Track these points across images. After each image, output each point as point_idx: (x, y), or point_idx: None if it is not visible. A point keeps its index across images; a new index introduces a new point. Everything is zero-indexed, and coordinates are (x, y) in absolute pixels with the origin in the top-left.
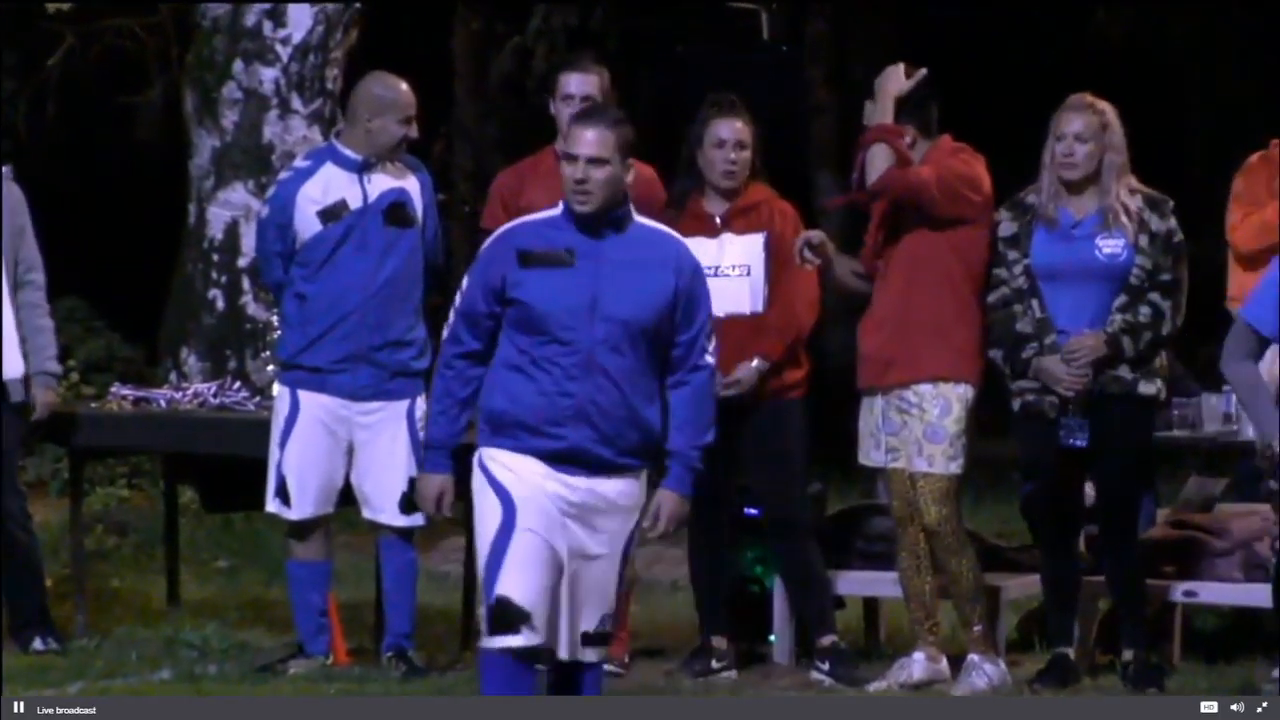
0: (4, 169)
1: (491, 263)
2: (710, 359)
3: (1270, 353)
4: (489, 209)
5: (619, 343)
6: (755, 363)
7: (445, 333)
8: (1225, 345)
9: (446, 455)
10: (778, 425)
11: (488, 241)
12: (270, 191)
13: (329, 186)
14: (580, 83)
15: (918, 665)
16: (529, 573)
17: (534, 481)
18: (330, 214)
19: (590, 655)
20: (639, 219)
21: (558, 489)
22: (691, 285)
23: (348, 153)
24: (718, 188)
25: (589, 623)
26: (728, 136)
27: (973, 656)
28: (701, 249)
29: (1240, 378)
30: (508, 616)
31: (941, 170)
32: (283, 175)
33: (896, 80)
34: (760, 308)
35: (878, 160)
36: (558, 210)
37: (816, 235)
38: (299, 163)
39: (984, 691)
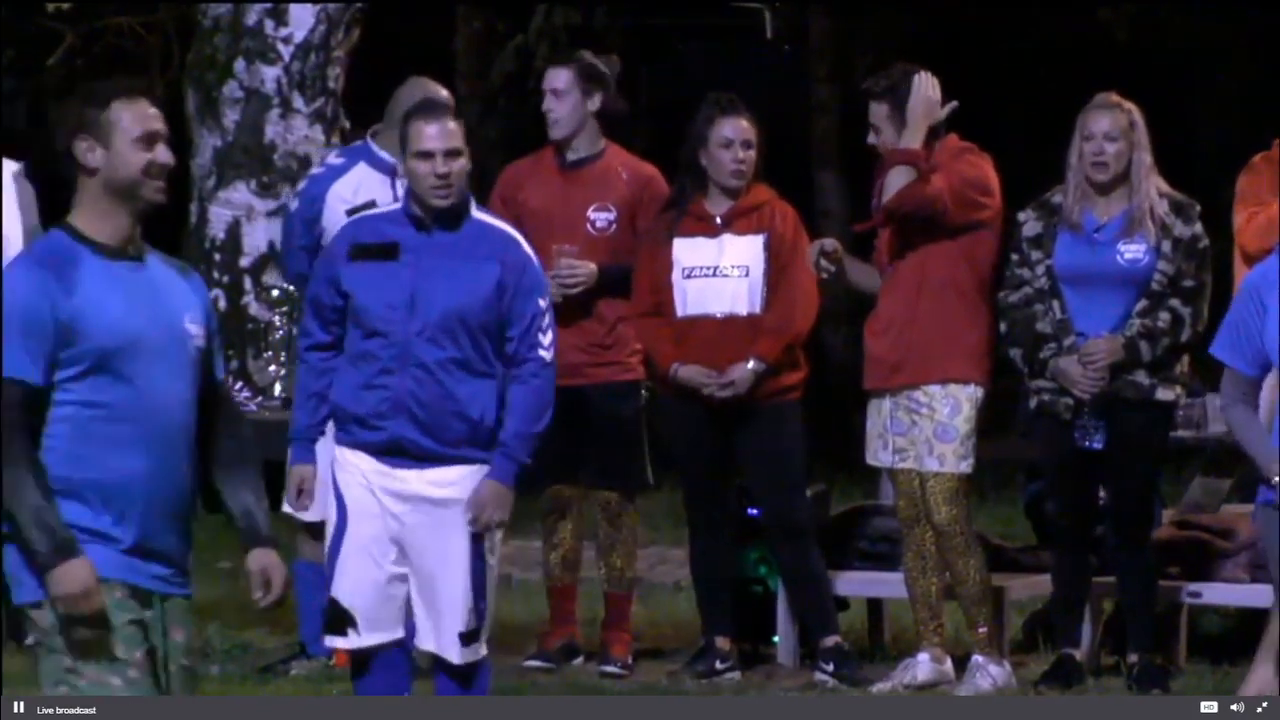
0: (17, 166)
1: (331, 255)
2: (544, 353)
3: (1271, 377)
4: (490, 205)
5: (438, 335)
6: (751, 364)
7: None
8: (1221, 389)
9: (307, 446)
10: (775, 427)
11: (336, 233)
12: (301, 185)
13: (360, 186)
14: (548, 77)
15: (922, 666)
16: (357, 574)
17: (366, 481)
18: (358, 213)
19: (465, 654)
20: (477, 214)
21: (390, 483)
22: (519, 279)
23: (383, 154)
24: (724, 187)
25: (457, 620)
26: (734, 136)
27: (978, 658)
28: (701, 249)
29: (1233, 421)
30: (336, 618)
31: (953, 179)
32: (316, 170)
33: (928, 105)
34: (758, 309)
35: (897, 179)
36: (398, 205)
37: (830, 243)
38: (332, 159)
39: (989, 692)
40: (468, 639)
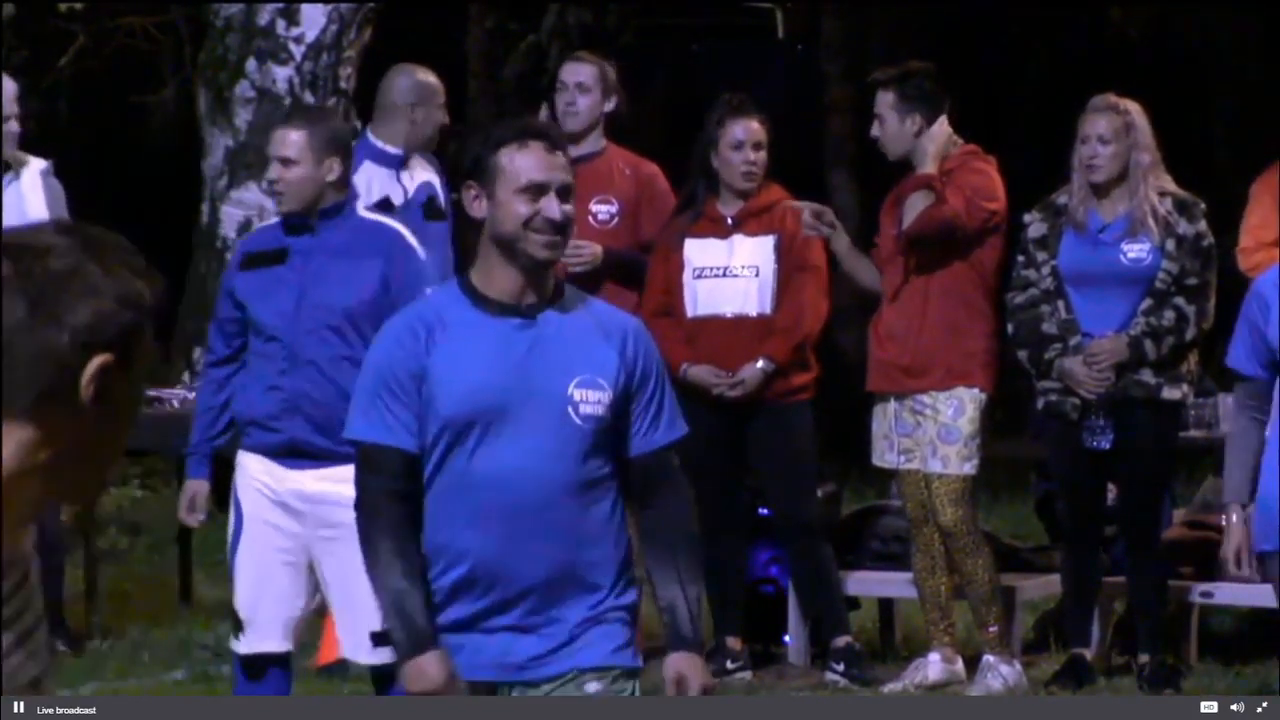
0: (45, 164)
1: (229, 269)
2: None
3: None
4: None
5: (326, 334)
6: (760, 364)
7: None
8: (1234, 398)
9: (201, 461)
10: (785, 427)
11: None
12: None
13: (370, 184)
14: (573, 71)
15: (933, 666)
16: (254, 581)
17: (264, 485)
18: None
19: (375, 655)
20: (363, 214)
21: (289, 484)
22: (404, 273)
23: (387, 148)
24: (735, 189)
25: (369, 619)
26: (745, 137)
27: (988, 657)
28: (712, 249)
29: (1231, 430)
30: (236, 623)
31: (966, 193)
32: None
33: (945, 140)
34: (768, 310)
35: (915, 205)
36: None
37: (819, 207)
38: None
39: (1000, 692)
40: (379, 639)
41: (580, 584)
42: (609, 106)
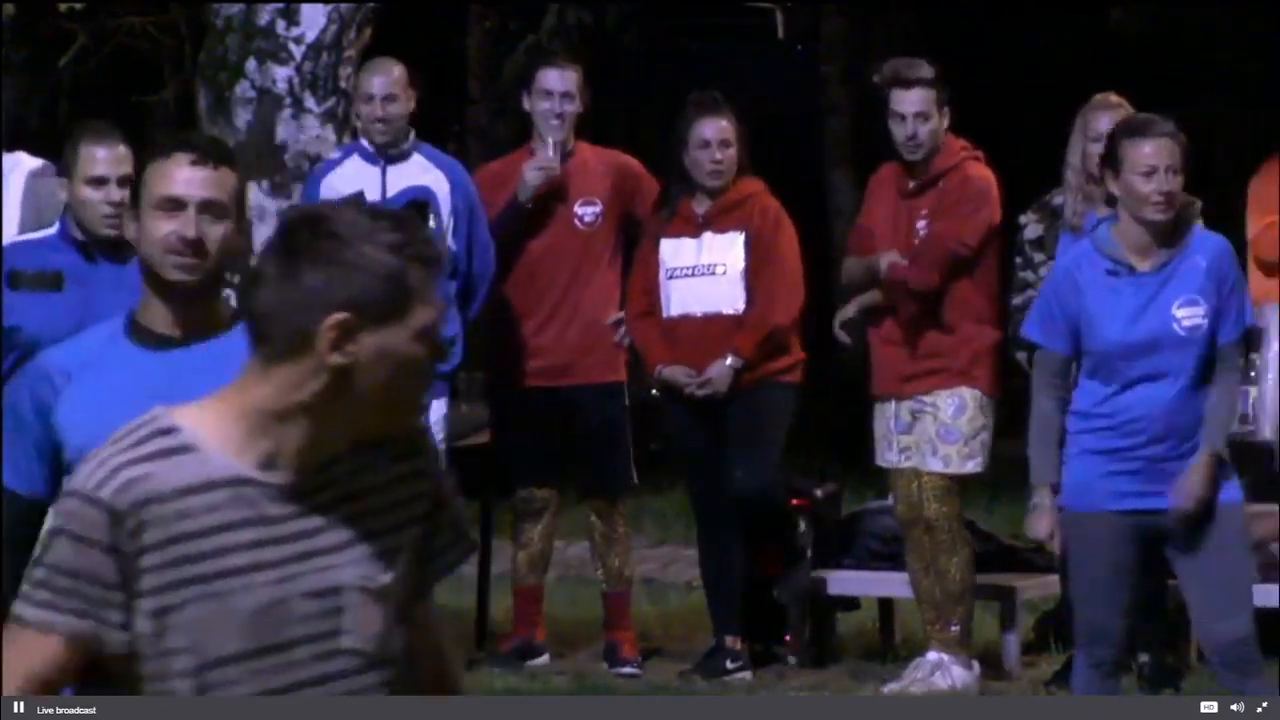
0: (38, 164)
1: None
2: None
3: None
4: None
5: None
6: (728, 360)
7: None
8: (1034, 374)
9: None
10: (755, 405)
11: None
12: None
13: (351, 178)
14: (559, 79)
15: (929, 666)
16: None
17: None
18: None
19: None
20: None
21: None
22: None
23: (367, 144)
24: (703, 187)
25: None
26: (712, 136)
27: (943, 656)
28: (684, 249)
29: (1035, 411)
30: None
31: (968, 212)
32: (318, 166)
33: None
34: (740, 307)
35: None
36: (53, 230)
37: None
38: (334, 154)
39: (945, 692)
40: None
41: None
42: (580, 108)
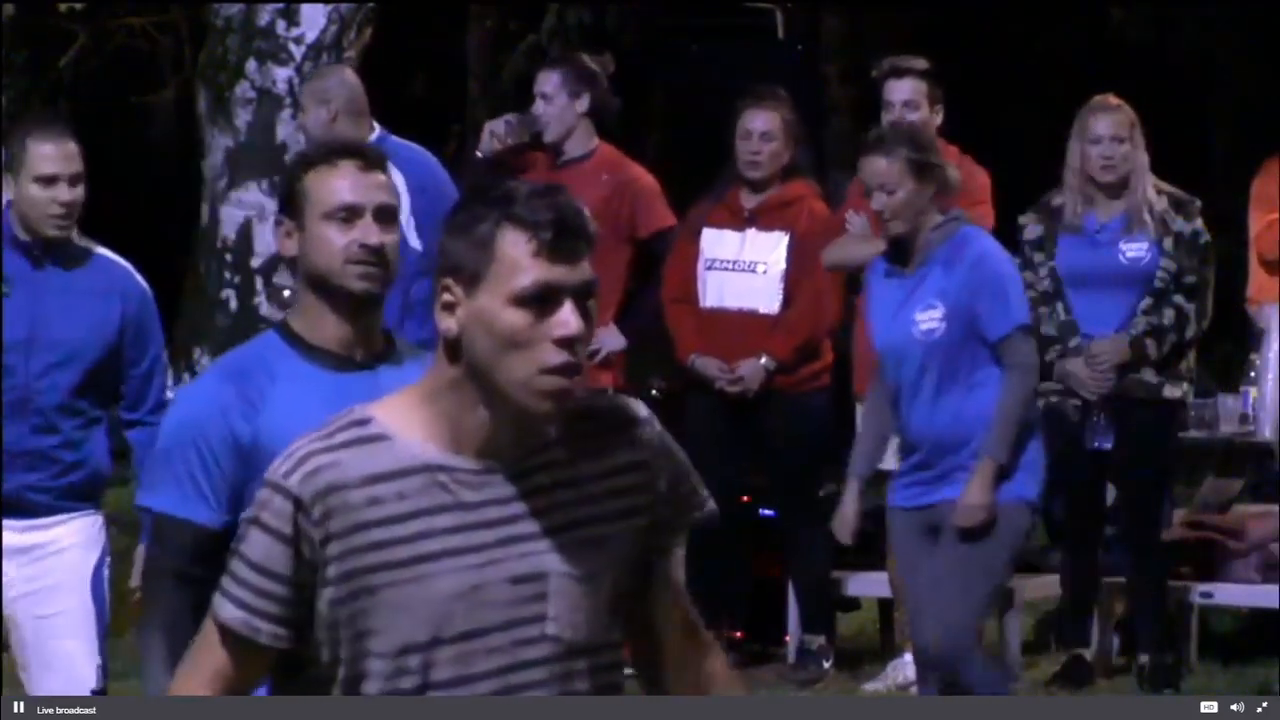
0: None
1: None
2: (169, 393)
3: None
4: None
5: (58, 378)
6: (762, 360)
7: None
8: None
9: None
10: (794, 416)
11: None
12: None
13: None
14: (541, 81)
15: (910, 666)
16: None
17: None
18: None
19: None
20: (96, 248)
21: (9, 540)
22: (140, 313)
23: None
24: (744, 179)
25: (80, 685)
26: (754, 128)
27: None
28: (726, 242)
29: (868, 401)
30: None
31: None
32: None
33: None
34: (776, 307)
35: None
36: None
37: None
38: None
39: (905, 687)
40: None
41: None
42: (583, 107)
